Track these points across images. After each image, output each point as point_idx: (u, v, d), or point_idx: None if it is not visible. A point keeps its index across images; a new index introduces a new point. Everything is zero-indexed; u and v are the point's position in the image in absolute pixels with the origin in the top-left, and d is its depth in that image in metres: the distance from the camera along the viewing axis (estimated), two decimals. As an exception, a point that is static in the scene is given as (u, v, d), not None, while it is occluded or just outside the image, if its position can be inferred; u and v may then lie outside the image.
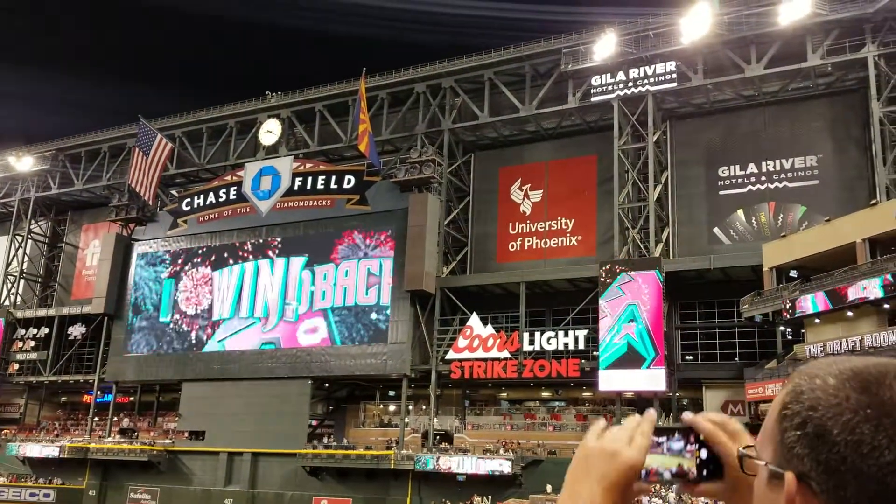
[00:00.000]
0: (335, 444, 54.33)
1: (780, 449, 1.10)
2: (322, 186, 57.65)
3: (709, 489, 1.36)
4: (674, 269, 46.42)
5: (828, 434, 1.03)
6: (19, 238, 73.66)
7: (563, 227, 54.21)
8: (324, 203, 57.34)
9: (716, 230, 49.66)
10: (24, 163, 72.61)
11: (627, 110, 50.23)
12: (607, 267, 46.58)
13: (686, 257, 48.23)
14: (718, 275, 46.35)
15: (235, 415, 55.14)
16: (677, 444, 1.37)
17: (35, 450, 61.30)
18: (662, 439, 1.37)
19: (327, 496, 51.54)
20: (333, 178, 57.49)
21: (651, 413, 1.39)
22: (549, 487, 43.65)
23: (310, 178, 58.26)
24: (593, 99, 51.33)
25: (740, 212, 49.24)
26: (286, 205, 58.83)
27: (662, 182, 50.44)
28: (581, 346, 47.85)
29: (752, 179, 49.16)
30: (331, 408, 60.30)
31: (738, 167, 49.57)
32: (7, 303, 71.46)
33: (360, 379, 54.85)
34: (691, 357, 48.24)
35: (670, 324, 47.18)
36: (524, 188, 55.97)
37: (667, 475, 1.35)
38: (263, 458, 54.21)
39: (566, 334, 48.52)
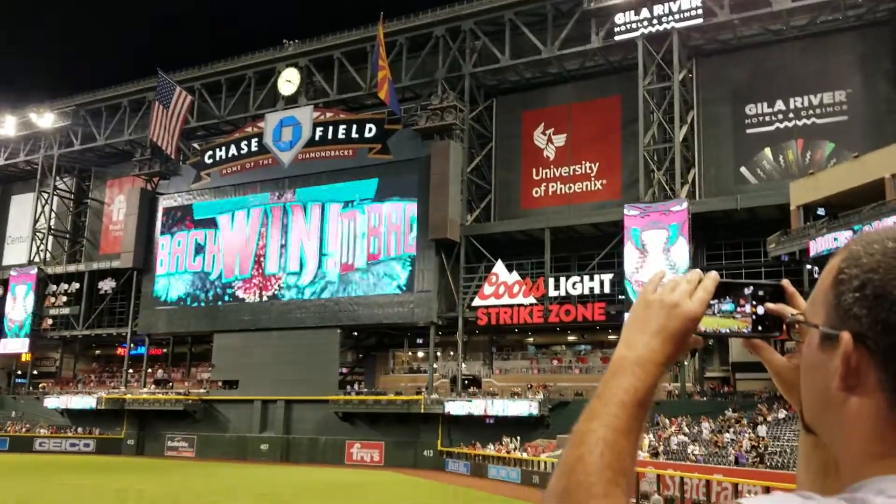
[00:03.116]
0: (366, 390, 55.48)
1: (834, 312, 1.14)
2: (343, 136, 57.55)
3: (770, 355, 1.41)
4: (700, 210, 46.11)
5: (888, 294, 1.07)
6: (45, 195, 74.40)
7: (588, 171, 53.82)
8: (345, 153, 57.32)
9: (742, 170, 49.08)
10: (45, 119, 72.80)
11: (652, 49, 49.25)
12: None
13: (712, 198, 47.86)
14: (745, 215, 45.99)
15: (267, 364, 56.25)
16: (727, 306, 1.39)
17: (73, 402, 63.08)
18: (713, 302, 1.38)
19: (360, 440, 52.82)
20: (354, 127, 57.33)
21: (714, 273, 1.39)
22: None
23: (331, 128, 58.15)
24: (617, 38, 50.33)
25: (767, 150, 48.55)
26: (308, 155, 58.88)
27: (688, 122, 49.71)
28: (606, 290, 47.96)
29: (780, 117, 48.32)
30: (360, 356, 61.28)
31: (765, 104, 48.69)
32: (37, 259, 72.64)
33: (388, 327, 55.55)
34: (718, 297, 48.23)
35: (696, 265, 47.06)
36: (547, 132, 55.43)
37: (722, 332, 1.39)
38: (297, 405, 55.43)
39: (591, 279, 48.63)
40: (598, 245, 48.97)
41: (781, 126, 48.17)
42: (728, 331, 1.40)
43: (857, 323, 1.10)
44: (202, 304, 61.67)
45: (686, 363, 46.67)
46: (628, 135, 51.45)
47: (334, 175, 57.47)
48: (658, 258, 44.90)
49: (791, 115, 48.05)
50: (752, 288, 1.41)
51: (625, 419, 1.22)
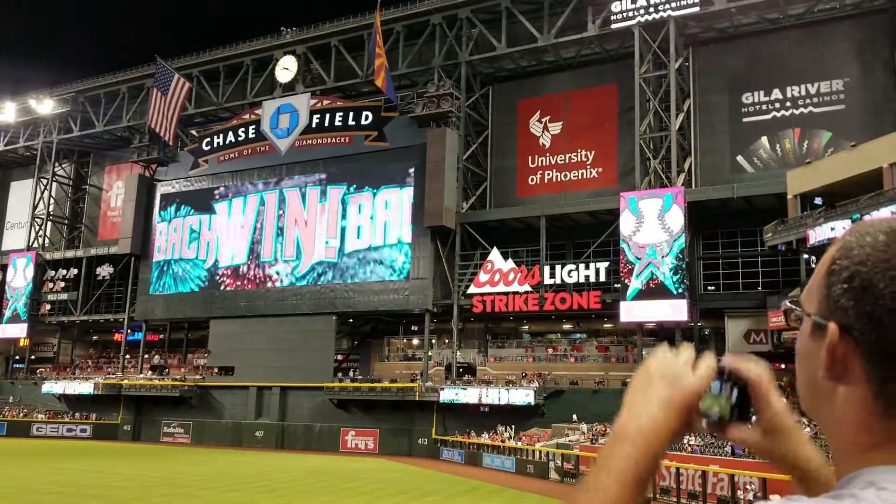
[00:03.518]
0: (361, 377, 55.59)
1: (825, 302, 1.15)
2: (340, 123, 57.56)
3: (739, 433, 1.37)
4: (696, 199, 46.04)
5: (874, 287, 1.08)
6: (44, 181, 74.55)
7: (584, 158, 53.76)
8: (342, 140, 57.37)
9: (739, 158, 48.96)
10: (45, 106, 72.99)
11: (649, 37, 49.10)
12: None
13: (708, 186, 47.73)
14: (741, 204, 45.89)
15: (263, 350, 56.49)
16: (715, 385, 1.35)
17: (70, 387, 63.33)
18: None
19: (354, 427, 52.97)
20: (351, 114, 57.34)
21: (711, 355, 1.38)
22: (574, 417, 44.42)
23: (327, 115, 58.16)
24: (613, 26, 50.20)
25: (764, 139, 48.42)
26: (305, 142, 58.90)
27: (685, 110, 49.61)
28: (602, 278, 47.96)
29: (777, 105, 48.18)
30: (356, 343, 61.35)
31: (762, 93, 48.55)
32: (36, 245, 72.81)
33: (384, 314, 55.59)
34: (713, 287, 48.20)
35: (692, 254, 47.01)
36: (543, 120, 55.35)
37: (712, 415, 1.33)
38: (292, 391, 55.62)
39: (587, 267, 48.63)
40: (594, 233, 48.95)
41: (778, 115, 48.03)
42: (717, 415, 1.34)
43: (844, 314, 1.11)
44: (198, 291, 61.78)
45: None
46: (624, 123, 51.36)
47: (331, 162, 57.50)
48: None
49: (788, 103, 47.91)
50: (726, 367, 1.37)
51: (622, 490, 1.21)
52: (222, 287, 60.71)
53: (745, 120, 48.93)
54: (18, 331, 69.38)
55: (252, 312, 58.27)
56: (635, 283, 45.28)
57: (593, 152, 53.38)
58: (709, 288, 48.14)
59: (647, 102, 49.09)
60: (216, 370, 59.90)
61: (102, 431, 61.43)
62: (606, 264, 47.82)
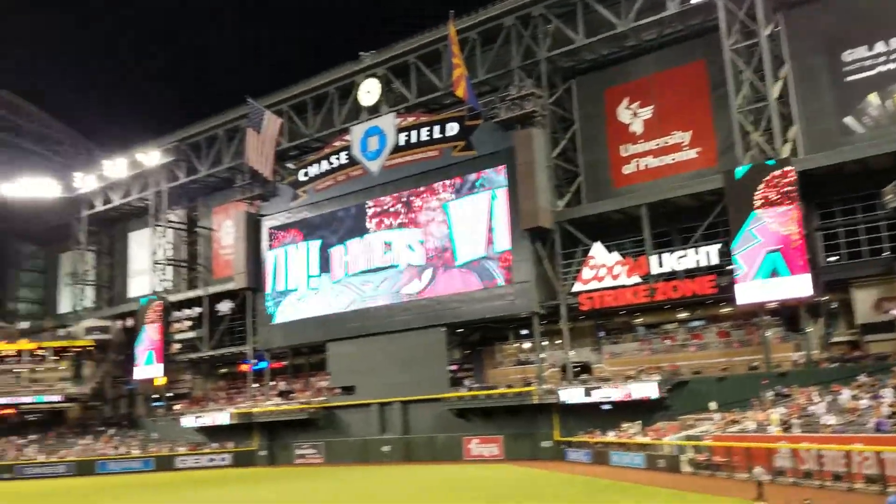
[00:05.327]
0: (477, 385, 55.90)
1: None
2: (427, 137, 58.16)
3: None
4: (805, 168, 43.70)
5: None
6: (160, 228, 78.90)
7: (679, 140, 52.00)
8: (431, 154, 57.96)
9: (847, 120, 46.05)
10: (151, 157, 77.35)
11: (733, 6, 47.04)
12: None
13: (817, 154, 45.11)
14: (855, 167, 43.27)
15: (380, 368, 57.83)
16: None
17: (207, 419, 66.76)
18: None
19: (477, 435, 53.34)
20: (437, 127, 57.80)
21: None
22: (714, 405, 42.85)
23: (413, 132, 58.88)
24: (693, 1, 48.37)
25: (872, 96, 45.32)
26: (395, 161, 59.85)
27: (781, 78, 47.15)
28: (714, 261, 46.31)
29: (882, 59, 44.99)
30: (467, 352, 61.69)
31: (864, 48, 45.43)
32: (160, 289, 77.14)
33: (491, 321, 55.61)
34: (835, 258, 45.61)
35: (809, 226, 44.57)
36: (632, 107, 53.94)
37: None
38: (412, 405, 56.60)
39: (696, 251, 47.09)
40: (700, 216, 47.34)
41: (884, 69, 44.82)
42: None
43: None
44: (312, 316, 63.77)
45: (810, 330, 44.45)
46: (718, 98, 49.40)
47: (424, 177, 58.21)
48: None
49: (894, 55, 44.75)
50: None
51: None
52: (333, 310, 62.41)
53: (848, 79, 45.99)
54: (155, 371, 73.75)
55: (364, 332, 59.67)
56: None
57: (689, 133, 51.59)
58: (829, 260, 45.58)
59: (740, 74, 46.91)
60: (338, 391, 61.67)
61: (241, 458, 64.50)
62: (718, 246, 46.11)
